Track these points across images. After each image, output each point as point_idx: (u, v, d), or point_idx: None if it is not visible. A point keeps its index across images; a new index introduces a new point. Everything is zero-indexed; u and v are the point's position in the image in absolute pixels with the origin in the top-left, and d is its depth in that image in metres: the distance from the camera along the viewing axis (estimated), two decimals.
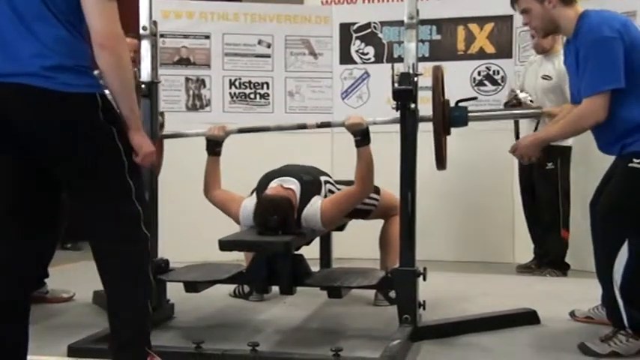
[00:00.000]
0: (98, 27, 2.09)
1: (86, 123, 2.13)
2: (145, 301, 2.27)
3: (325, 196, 3.30)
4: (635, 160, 2.67)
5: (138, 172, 2.26)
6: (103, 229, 2.23)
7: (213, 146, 3.33)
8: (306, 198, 3.19)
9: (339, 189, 3.39)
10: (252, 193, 3.34)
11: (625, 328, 2.69)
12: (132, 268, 2.24)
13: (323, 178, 3.39)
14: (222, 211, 3.33)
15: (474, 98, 3.18)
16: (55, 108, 2.09)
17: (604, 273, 2.73)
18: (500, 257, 4.91)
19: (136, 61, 3.17)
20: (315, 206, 3.15)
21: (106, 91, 2.20)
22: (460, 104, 2.99)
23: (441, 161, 2.95)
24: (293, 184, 3.24)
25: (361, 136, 3.10)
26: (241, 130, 3.44)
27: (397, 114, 2.92)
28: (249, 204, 3.21)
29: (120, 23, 2.13)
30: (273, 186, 3.23)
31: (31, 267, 2.30)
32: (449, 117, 2.94)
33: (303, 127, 3.44)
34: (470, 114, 2.99)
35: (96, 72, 2.19)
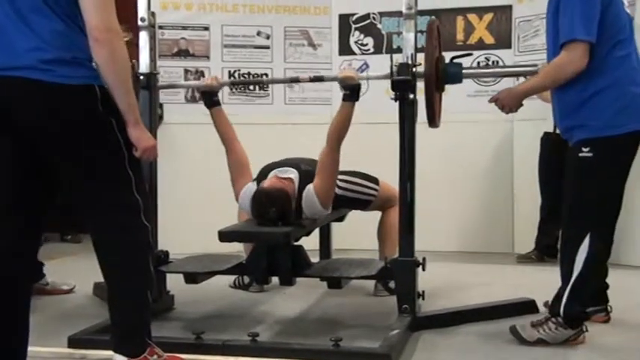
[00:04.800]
0: (94, 21, 2.08)
1: (85, 114, 2.14)
2: (145, 292, 2.28)
3: None
4: (583, 149, 2.64)
5: (138, 163, 2.26)
6: (103, 220, 2.23)
7: (210, 97, 3.31)
8: (304, 187, 3.18)
9: (340, 179, 3.39)
10: (253, 180, 3.34)
11: (558, 315, 2.70)
12: (132, 259, 2.25)
13: None
14: (231, 176, 3.29)
15: (469, 54, 3.13)
16: (54, 100, 2.09)
17: (566, 268, 2.70)
18: (500, 247, 4.91)
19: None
20: (310, 192, 3.15)
21: None
22: (455, 61, 2.94)
23: (432, 119, 2.90)
24: (292, 174, 3.24)
25: (350, 90, 3.06)
26: (234, 83, 3.43)
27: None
28: (249, 191, 3.20)
29: (116, 17, 2.12)
30: (270, 177, 3.23)
31: (31, 261, 2.30)
32: (443, 73, 2.89)
33: (295, 80, 3.46)
34: (464, 70, 2.94)
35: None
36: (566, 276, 2.70)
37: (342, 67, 5.04)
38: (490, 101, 2.90)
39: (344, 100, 3.08)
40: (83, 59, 2.12)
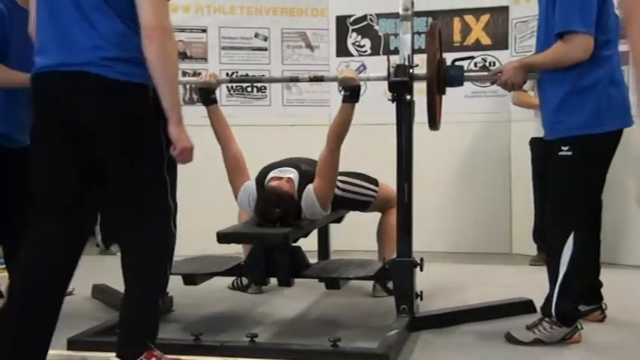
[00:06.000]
0: (148, 20, 2.16)
1: (139, 111, 2.19)
2: (159, 295, 2.33)
3: None
4: (563, 147, 2.66)
5: (174, 167, 2.30)
6: (137, 222, 2.26)
7: (207, 95, 3.32)
8: (304, 187, 3.20)
9: (339, 180, 3.39)
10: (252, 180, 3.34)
11: (551, 315, 2.71)
12: (158, 263, 2.29)
13: None
14: (228, 174, 3.30)
15: (472, 57, 3.12)
16: (112, 94, 2.16)
17: (553, 267, 2.72)
18: (497, 248, 4.92)
19: None
20: (309, 193, 3.16)
21: None
22: (456, 63, 2.95)
23: (433, 121, 2.91)
24: (291, 174, 3.25)
25: (350, 91, 3.06)
26: (232, 81, 3.44)
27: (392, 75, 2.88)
28: (249, 188, 3.22)
29: (170, 19, 2.22)
30: (273, 176, 3.24)
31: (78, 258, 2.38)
32: (444, 75, 2.90)
33: (295, 80, 3.46)
34: (466, 73, 2.95)
35: None
36: (553, 275, 2.72)
37: (340, 68, 5.05)
38: (491, 76, 2.88)
39: (344, 101, 3.08)
40: (140, 59, 2.17)
